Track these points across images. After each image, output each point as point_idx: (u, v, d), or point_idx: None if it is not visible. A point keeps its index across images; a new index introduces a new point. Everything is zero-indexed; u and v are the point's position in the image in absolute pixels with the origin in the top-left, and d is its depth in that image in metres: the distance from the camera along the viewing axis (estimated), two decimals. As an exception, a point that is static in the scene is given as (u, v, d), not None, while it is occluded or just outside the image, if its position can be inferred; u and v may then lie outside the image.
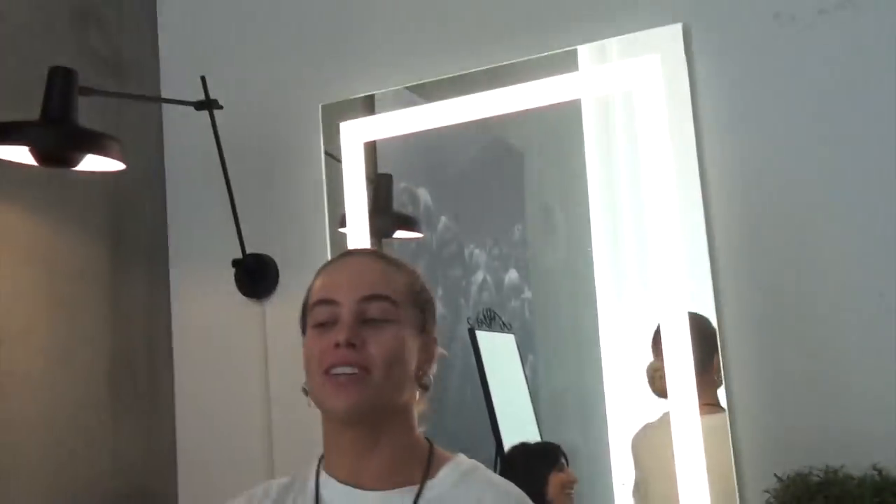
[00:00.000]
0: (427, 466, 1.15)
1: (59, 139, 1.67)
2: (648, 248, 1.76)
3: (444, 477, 1.15)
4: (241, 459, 2.06)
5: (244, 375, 2.07)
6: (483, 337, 1.97)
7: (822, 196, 1.65)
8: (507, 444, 1.90)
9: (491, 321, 1.97)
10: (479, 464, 1.21)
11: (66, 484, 1.91)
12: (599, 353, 1.87)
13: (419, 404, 1.19)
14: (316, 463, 1.18)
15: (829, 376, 1.60)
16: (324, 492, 1.14)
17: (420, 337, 1.15)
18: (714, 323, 1.67)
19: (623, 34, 1.79)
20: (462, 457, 1.21)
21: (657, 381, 1.72)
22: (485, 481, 1.17)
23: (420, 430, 1.20)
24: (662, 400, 1.70)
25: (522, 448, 1.88)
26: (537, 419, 1.94)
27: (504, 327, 1.98)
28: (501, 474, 1.23)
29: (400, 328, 1.12)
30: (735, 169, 1.69)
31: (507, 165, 2.09)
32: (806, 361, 1.61)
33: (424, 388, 1.16)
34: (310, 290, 1.18)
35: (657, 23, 1.76)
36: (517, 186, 2.06)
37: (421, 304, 1.16)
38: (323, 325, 1.12)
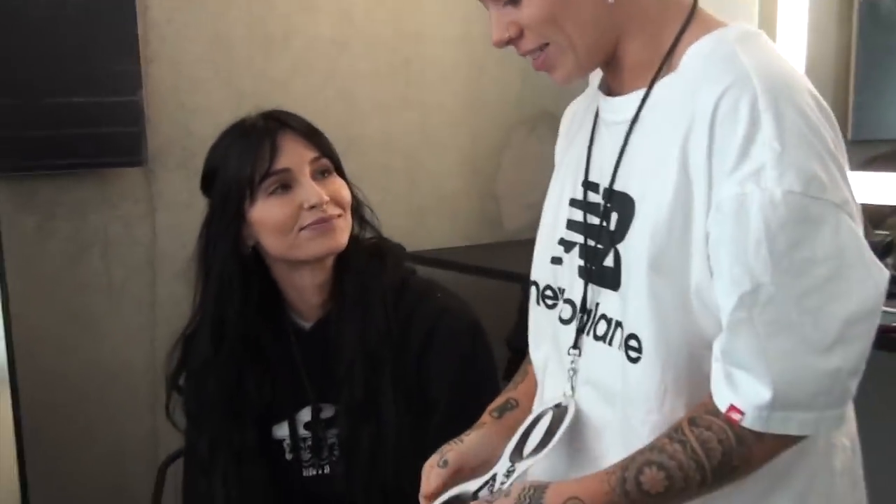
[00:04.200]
0: (665, 58, 0.94)
1: None
2: None
3: (684, 66, 0.92)
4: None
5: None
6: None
7: None
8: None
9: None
10: (751, 31, 0.93)
11: (477, 106, 2.30)
12: None
13: None
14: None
15: None
16: (600, 100, 1.04)
17: None
18: None
19: None
20: (733, 27, 0.93)
21: None
22: (735, 54, 0.89)
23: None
24: None
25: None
26: None
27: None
28: None
29: None
30: None
31: None
32: None
33: None
34: None
35: None
36: None
37: None
38: None
